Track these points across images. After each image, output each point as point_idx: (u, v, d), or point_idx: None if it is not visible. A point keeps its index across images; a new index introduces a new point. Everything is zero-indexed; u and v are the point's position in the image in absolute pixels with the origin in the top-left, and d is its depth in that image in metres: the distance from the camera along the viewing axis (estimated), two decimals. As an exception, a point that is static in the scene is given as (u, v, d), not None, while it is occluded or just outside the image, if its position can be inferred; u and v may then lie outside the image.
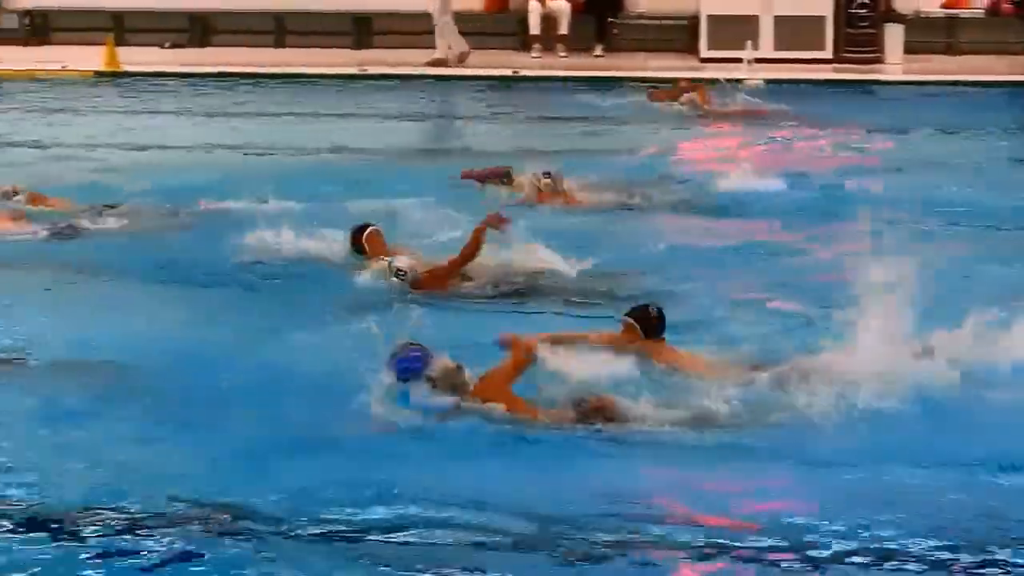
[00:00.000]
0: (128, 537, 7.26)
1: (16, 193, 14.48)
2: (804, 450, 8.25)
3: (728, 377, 9.20)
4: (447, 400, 8.70)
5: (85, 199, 14.55)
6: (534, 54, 26.89)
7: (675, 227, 13.80)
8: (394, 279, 11.39)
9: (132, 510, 7.53)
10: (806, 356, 9.38)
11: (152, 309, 11.27)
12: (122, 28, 28.33)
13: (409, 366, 8.79)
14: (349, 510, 7.53)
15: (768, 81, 23.50)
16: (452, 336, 9.71)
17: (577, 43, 27.01)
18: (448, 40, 26.00)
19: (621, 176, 15.68)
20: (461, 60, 26.01)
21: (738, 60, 24.14)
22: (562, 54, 26.89)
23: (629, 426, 8.49)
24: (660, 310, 9.85)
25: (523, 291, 11.43)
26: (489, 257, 11.65)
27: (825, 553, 7.10)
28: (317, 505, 7.55)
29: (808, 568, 7.00)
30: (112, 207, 14.36)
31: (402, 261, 11.49)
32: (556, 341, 9.51)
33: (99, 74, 25.48)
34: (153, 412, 8.91)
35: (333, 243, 12.40)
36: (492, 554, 7.12)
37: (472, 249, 11.47)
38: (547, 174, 14.57)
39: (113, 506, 7.58)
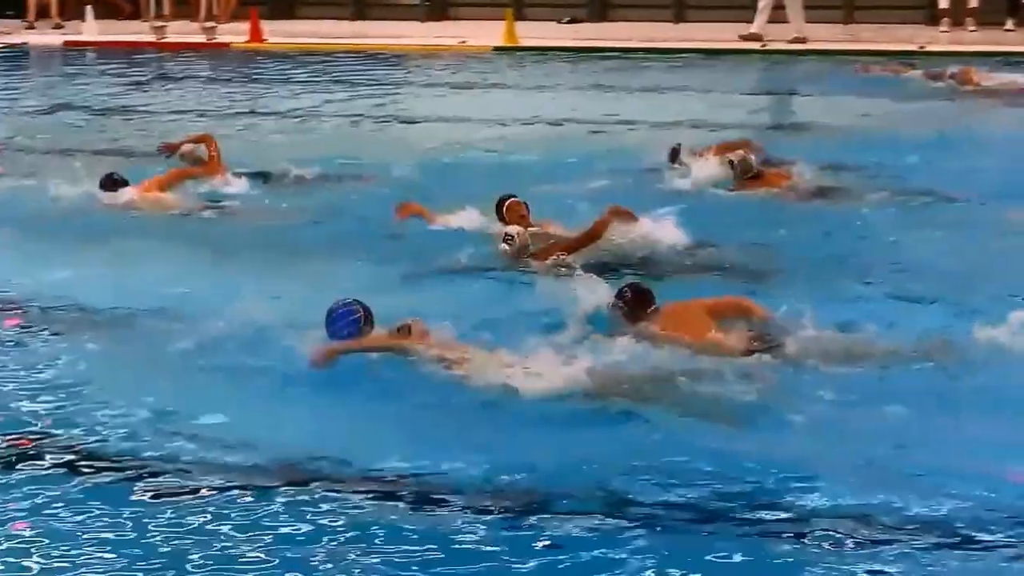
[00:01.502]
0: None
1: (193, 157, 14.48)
2: None
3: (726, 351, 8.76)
4: None
5: (481, 173, 14.48)
6: (942, 28, 26.00)
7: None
8: (504, 246, 11.16)
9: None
10: None
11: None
12: (521, 3, 28.57)
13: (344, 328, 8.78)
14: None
15: None
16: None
17: (988, 17, 25.93)
18: (792, 19, 25.40)
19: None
20: (797, 42, 25.23)
21: None
22: (971, 28, 25.90)
23: None
24: (635, 290, 9.25)
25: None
26: None
27: None
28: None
29: None
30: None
31: (512, 228, 11.25)
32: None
33: (497, 49, 25.72)
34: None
35: None
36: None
37: (587, 239, 11.11)
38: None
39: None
